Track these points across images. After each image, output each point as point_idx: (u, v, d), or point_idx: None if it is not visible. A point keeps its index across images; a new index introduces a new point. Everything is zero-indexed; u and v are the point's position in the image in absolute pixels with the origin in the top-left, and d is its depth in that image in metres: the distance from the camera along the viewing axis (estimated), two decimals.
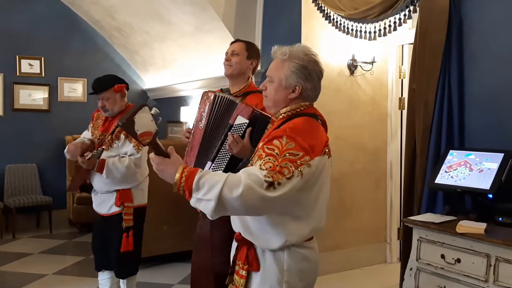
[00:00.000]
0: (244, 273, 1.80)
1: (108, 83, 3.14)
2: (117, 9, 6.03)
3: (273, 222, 1.72)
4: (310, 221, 1.77)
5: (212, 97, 2.52)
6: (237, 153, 2.36)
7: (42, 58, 6.54)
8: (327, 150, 1.78)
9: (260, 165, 1.60)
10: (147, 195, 3.35)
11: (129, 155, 3.10)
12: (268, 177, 1.56)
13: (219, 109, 2.50)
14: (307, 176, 1.66)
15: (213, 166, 2.46)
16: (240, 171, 1.61)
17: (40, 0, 6.49)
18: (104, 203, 3.21)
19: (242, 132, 2.38)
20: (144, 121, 1.68)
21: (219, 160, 2.45)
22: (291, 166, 1.60)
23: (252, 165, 1.69)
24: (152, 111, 1.79)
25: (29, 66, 6.48)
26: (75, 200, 5.91)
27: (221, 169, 2.43)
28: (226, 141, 2.41)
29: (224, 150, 2.43)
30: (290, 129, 1.69)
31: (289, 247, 1.76)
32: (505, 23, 2.85)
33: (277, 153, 1.62)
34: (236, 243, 1.89)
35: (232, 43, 2.89)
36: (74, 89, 6.80)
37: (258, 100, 2.69)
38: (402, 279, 2.92)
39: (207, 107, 2.54)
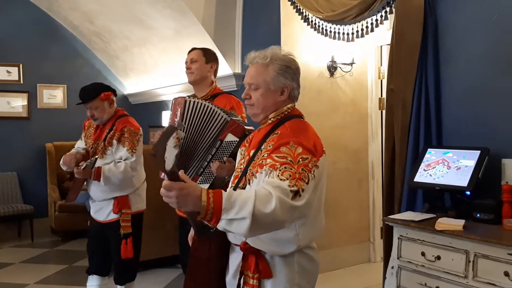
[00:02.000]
0: (255, 282, 1.73)
1: (94, 92, 3.11)
2: (96, 14, 5.99)
3: (285, 229, 1.66)
4: (316, 222, 1.77)
5: (183, 102, 2.55)
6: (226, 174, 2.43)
7: (21, 65, 6.46)
8: (324, 149, 1.78)
9: (278, 175, 1.55)
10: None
11: (124, 160, 3.09)
12: (292, 186, 1.52)
13: (196, 115, 2.51)
14: (318, 177, 1.66)
15: (201, 179, 2.52)
16: (263, 184, 1.55)
17: (17, 6, 6.42)
18: (101, 210, 3.19)
19: (231, 149, 2.44)
20: (172, 146, 1.59)
21: (206, 174, 2.51)
22: (306, 171, 1.59)
23: (253, 175, 1.68)
24: (179, 135, 1.69)
25: (7, 73, 6.40)
26: (57, 208, 5.84)
27: (209, 183, 2.50)
28: (216, 154, 2.47)
29: (209, 168, 2.49)
30: (294, 134, 1.68)
31: (298, 250, 1.75)
32: (478, 23, 2.90)
33: (291, 161, 1.59)
34: (241, 253, 1.80)
35: (189, 52, 3.00)
36: (54, 96, 6.72)
37: (226, 101, 2.78)
38: (384, 277, 2.95)
39: (178, 112, 2.58)
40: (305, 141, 1.66)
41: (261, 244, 1.73)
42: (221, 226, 1.48)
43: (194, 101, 2.53)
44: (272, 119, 1.82)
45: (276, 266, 1.74)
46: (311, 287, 1.85)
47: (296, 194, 1.52)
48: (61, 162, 3.19)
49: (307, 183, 1.57)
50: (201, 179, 2.52)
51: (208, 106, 2.50)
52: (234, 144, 2.45)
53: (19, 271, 4.83)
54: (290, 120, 1.79)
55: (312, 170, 1.62)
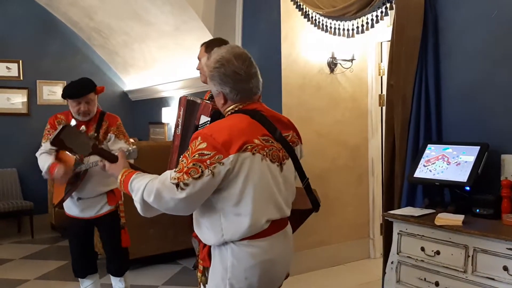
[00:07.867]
0: (201, 268, 1.90)
1: (90, 85, 3.12)
2: (96, 10, 5.99)
3: (209, 219, 1.79)
4: (245, 217, 1.73)
5: (185, 101, 2.59)
6: None
7: (20, 61, 6.46)
8: (249, 147, 1.72)
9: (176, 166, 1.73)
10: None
11: None
12: (175, 179, 1.66)
13: (188, 112, 2.57)
14: (220, 174, 1.67)
15: None
16: (160, 176, 1.74)
17: (16, 2, 6.41)
18: (92, 206, 3.20)
19: None
20: (73, 137, 1.90)
21: None
22: (200, 166, 1.66)
23: None
24: (81, 129, 2.00)
25: (7, 69, 6.39)
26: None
27: None
28: None
29: None
30: (208, 128, 1.76)
31: (231, 245, 1.76)
32: (478, 19, 2.90)
33: (188, 155, 1.70)
34: None
35: None
36: (54, 92, 6.71)
37: None
38: (384, 273, 2.96)
39: (181, 112, 2.63)
40: (212, 138, 1.69)
41: (197, 230, 1.87)
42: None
43: (189, 99, 2.58)
44: (227, 114, 1.90)
45: (215, 257, 1.83)
46: (256, 284, 1.78)
47: (177, 186, 1.64)
48: (55, 175, 3.05)
49: (196, 178, 1.64)
50: None
51: (193, 101, 2.54)
52: (208, 125, 2.37)
53: (19, 267, 4.84)
54: (230, 115, 1.85)
55: (211, 167, 1.66)
